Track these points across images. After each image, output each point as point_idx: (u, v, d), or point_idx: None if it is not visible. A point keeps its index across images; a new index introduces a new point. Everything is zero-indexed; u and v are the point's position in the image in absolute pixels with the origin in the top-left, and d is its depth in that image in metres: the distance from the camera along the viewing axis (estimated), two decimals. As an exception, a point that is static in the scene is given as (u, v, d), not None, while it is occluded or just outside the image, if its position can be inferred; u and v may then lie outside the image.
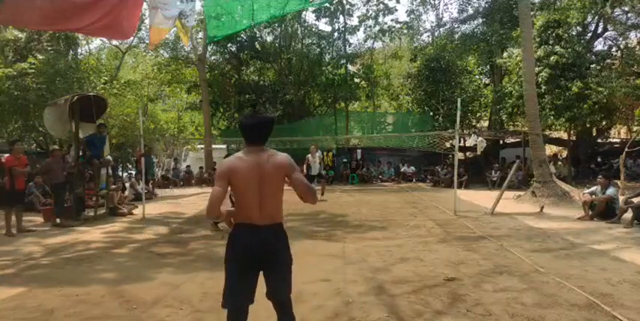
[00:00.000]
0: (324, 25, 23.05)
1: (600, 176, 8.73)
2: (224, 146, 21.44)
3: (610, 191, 8.33)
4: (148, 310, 3.83)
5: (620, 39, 18.20)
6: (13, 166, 7.49)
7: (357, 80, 23.38)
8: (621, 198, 8.59)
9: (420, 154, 19.12)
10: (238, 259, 2.56)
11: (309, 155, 12.13)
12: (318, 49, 22.88)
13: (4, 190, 7.46)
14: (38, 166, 10.83)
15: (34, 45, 14.99)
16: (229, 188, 2.54)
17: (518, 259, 5.43)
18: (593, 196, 8.55)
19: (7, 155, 7.88)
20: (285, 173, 2.56)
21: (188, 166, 20.74)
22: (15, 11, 5.87)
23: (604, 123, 16.99)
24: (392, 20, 23.60)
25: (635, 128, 16.20)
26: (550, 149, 19.75)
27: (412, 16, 24.05)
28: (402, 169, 19.85)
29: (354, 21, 22.78)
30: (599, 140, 18.97)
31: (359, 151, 20.61)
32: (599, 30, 17.88)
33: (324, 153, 18.22)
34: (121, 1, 6.69)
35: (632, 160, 15.91)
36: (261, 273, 2.62)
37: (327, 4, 20.28)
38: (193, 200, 12.83)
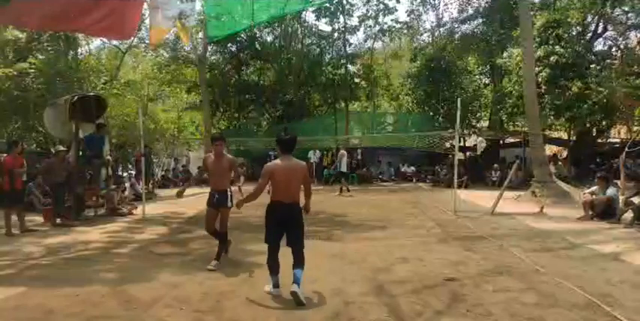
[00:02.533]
0: (324, 25, 23.02)
1: (599, 176, 8.73)
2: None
3: (610, 191, 8.33)
4: (148, 310, 3.83)
5: (620, 39, 18.19)
6: (12, 167, 7.49)
7: (357, 80, 23.36)
8: (621, 198, 8.59)
9: (420, 154, 19.12)
10: (273, 220, 4.25)
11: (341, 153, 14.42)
12: (318, 49, 22.88)
13: (2, 190, 7.46)
14: (38, 165, 10.84)
15: (34, 45, 14.97)
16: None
17: (518, 259, 5.44)
18: (594, 196, 8.54)
19: (5, 156, 7.87)
20: (303, 174, 4.29)
21: (184, 166, 20.70)
22: (19, 12, 5.86)
23: (604, 123, 16.96)
24: (392, 20, 23.50)
25: (635, 128, 16.18)
26: (550, 149, 19.72)
27: (412, 16, 24.04)
28: (402, 169, 19.85)
29: (354, 21, 22.73)
30: (599, 140, 18.93)
31: (359, 151, 20.61)
32: (599, 30, 17.85)
33: (323, 153, 18.27)
34: (123, 2, 6.68)
35: (632, 160, 15.89)
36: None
37: (327, 4, 20.27)
38: (193, 200, 12.82)
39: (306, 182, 4.39)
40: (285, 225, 4.22)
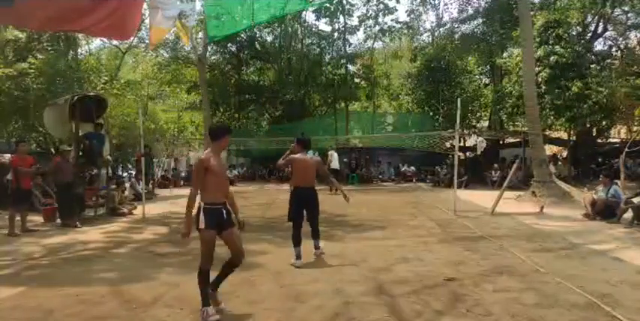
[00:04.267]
0: (324, 25, 23.12)
1: (604, 174, 8.75)
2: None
3: (613, 191, 8.34)
4: (148, 310, 3.83)
5: (620, 39, 18.21)
6: (19, 166, 7.50)
7: (357, 80, 23.38)
8: (623, 197, 8.59)
9: (420, 154, 19.10)
10: (297, 201, 5.45)
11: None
12: (318, 49, 22.88)
13: (10, 189, 7.48)
14: (39, 165, 10.84)
15: (34, 45, 14.99)
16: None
17: (519, 259, 5.44)
18: (596, 196, 8.57)
19: (10, 155, 7.88)
20: (317, 166, 5.56)
21: (174, 169, 20.70)
22: (20, 12, 5.85)
23: (604, 123, 16.96)
24: (392, 20, 23.51)
25: (635, 128, 16.19)
26: (550, 149, 19.72)
27: (412, 16, 24.04)
28: (402, 169, 19.85)
29: (354, 21, 22.73)
30: (599, 140, 18.94)
31: (357, 151, 20.61)
32: (599, 30, 17.86)
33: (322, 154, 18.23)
34: (124, 2, 6.67)
35: (632, 160, 15.89)
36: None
37: (327, 4, 20.27)
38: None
39: (321, 170, 5.68)
40: (305, 205, 5.45)
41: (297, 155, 5.50)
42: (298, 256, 5.27)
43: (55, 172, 8.69)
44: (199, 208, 3.59)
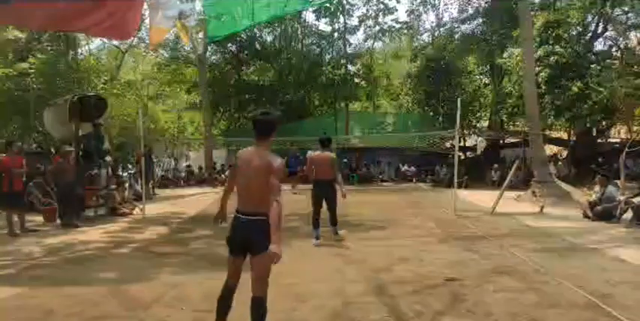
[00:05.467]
0: (324, 25, 23.16)
1: (602, 175, 8.75)
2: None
3: (609, 191, 8.33)
4: (148, 309, 3.83)
5: (620, 39, 18.20)
6: (11, 167, 7.43)
7: (357, 80, 23.37)
8: (621, 198, 8.59)
9: (420, 154, 19.11)
10: (316, 192, 6.37)
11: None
12: (318, 49, 22.90)
13: (2, 191, 7.38)
14: (38, 165, 10.83)
15: (34, 45, 14.98)
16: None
17: (519, 259, 5.44)
18: (593, 197, 8.57)
19: (3, 155, 7.81)
20: (332, 161, 6.28)
21: (189, 166, 20.74)
22: (20, 12, 5.84)
23: (604, 123, 16.96)
24: (392, 20, 23.53)
25: (635, 128, 16.18)
26: (550, 149, 19.72)
27: (412, 16, 24.05)
28: (402, 169, 19.84)
29: (354, 21, 22.76)
30: (599, 140, 18.94)
31: (359, 150, 20.60)
32: (599, 30, 17.86)
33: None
34: (124, 2, 6.65)
35: (632, 160, 15.88)
36: None
37: (327, 4, 20.27)
38: (193, 200, 12.83)
39: (334, 165, 6.31)
40: (324, 195, 6.28)
41: (315, 153, 6.47)
42: (317, 237, 6.27)
43: (56, 172, 8.68)
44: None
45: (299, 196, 10.24)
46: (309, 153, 15.94)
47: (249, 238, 2.87)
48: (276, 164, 2.87)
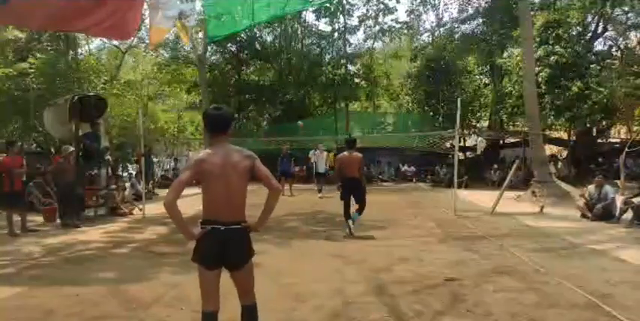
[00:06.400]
0: (324, 25, 23.16)
1: (600, 176, 8.74)
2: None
3: (605, 192, 8.33)
4: (148, 309, 3.83)
5: (620, 39, 18.21)
6: (11, 167, 7.46)
7: (357, 80, 23.35)
8: (621, 198, 8.59)
9: (420, 154, 19.12)
10: (346, 188, 7.16)
11: (318, 152, 13.68)
12: (318, 49, 22.87)
13: (2, 191, 7.41)
14: (39, 165, 10.83)
15: (34, 45, 14.99)
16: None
17: (519, 259, 5.43)
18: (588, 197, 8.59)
19: (3, 156, 7.84)
20: (359, 161, 7.07)
21: (174, 169, 20.72)
22: (20, 12, 5.83)
23: (604, 123, 16.98)
24: (392, 20, 23.50)
25: (635, 128, 16.19)
26: (550, 149, 19.73)
27: (412, 16, 24.05)
28: (402, 169, 19.84)
29: (354, 21, 22.73)
30: (599, 140, 18.96)
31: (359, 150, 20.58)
32: (599, 30, 17.87)
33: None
34: (125, 2, 6.65)
35: (632, 160, 15.90)
36: None
37: (327, 4, 20.26)
38: (193, 200, 12.82)
39: (362, 165, 7.11)
40: (353, 191, 7.08)
41: (343, 154, 7.13)
42: (350, 228, 6.95)
43: (56, 172, 8.68)
44: None
45: (293, 198, 10.21)
46: (311, 153, 15.84)
47: (229, 250, 2.61)
48: (252, 153, 2.72)
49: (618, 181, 12.08)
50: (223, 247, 2.59)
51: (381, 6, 22.07)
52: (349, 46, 22.94)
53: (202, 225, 2.66)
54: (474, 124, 20.68)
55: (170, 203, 2.53)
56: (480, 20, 20.99)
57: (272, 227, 7.85)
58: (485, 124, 22.22)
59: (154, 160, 18.09)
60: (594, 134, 18.30)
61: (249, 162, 2.67)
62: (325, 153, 13.89)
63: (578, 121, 14.91)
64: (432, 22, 25.32)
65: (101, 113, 10.16)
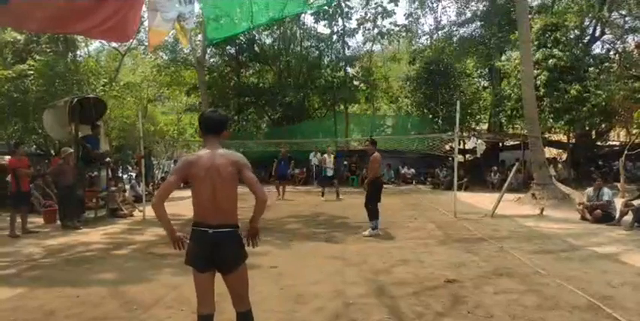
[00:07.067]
0: (322, 28, 23.15)
1: (599, 180, 8.77)
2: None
3: (603, 194, 8.35)
4: (148, 311, 3.82)
5: (618, 42, 18.29)
6: (17, 167, 7.51)
7: (356, 83, 23.37)
8: (621, 200, 8.60)
9: (420, 157, 19.11)
10: (379, 187, 7.47)
11: (325, 156, 13.56)
12: (317, 52, 22.90)
13: (9, 191, 7.52)
14: (39, 167, 10.82)
15: (33, 47, 14.99)
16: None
17: (519, 261, 5.44)
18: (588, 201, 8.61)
19: (8, 157, 7.94)
20: (378, 163, 7.54)
21: None
22: (19, 14, 5.84)
23: (603, 126, 17.04)
24: (390, 23, 23.49)
25: (634, 131, 16.24)
26: (549, 152, 19.77)
27: (411, 19, 24.10)
28: (402, 172, 19.84)
29: (352, 24, 22.73)
30: (599, 143, 19.01)
31: (359, 153, 20.59)
32: (597, 33, 17.94)
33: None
34: (124, 4, 6.66)
35: (632, 162, 15.94)
36: None
37: (325, 7, 20.30)
38: (191, 202, 12.78)
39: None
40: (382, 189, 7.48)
41: (378, 154, 7.33)
42: (375, 227, 7.24)
43: (56, 173, 8.69)
44: None
45: (292, 201, 10.19)
46: (312, 155, 15.83)
47: (219, 253, 2.58)
48: (242, 157, 2.69)
49: (618, 184, 12.11)
50: (212, 249, 2.58)
51: (380, 9, 22.09)
52: (348, 48, 22.95)
53: (193, 227, 2.69)
54: (473, 126, 20.70)
55: (157, 205, 2.61)
56: (478, 23, 21.07)
57: (271, 229, 7.85)
58: (485, 126, 22.25)
59: (154, 162, 18.08)
60: (593, 137, 18.35)
61: (234, 168, 2.63)
62: (332, 157, 13.75)
63: (577, 123, 14.95)
64: (431, 25, 25.24)
65: (100, 115, 10.17)
